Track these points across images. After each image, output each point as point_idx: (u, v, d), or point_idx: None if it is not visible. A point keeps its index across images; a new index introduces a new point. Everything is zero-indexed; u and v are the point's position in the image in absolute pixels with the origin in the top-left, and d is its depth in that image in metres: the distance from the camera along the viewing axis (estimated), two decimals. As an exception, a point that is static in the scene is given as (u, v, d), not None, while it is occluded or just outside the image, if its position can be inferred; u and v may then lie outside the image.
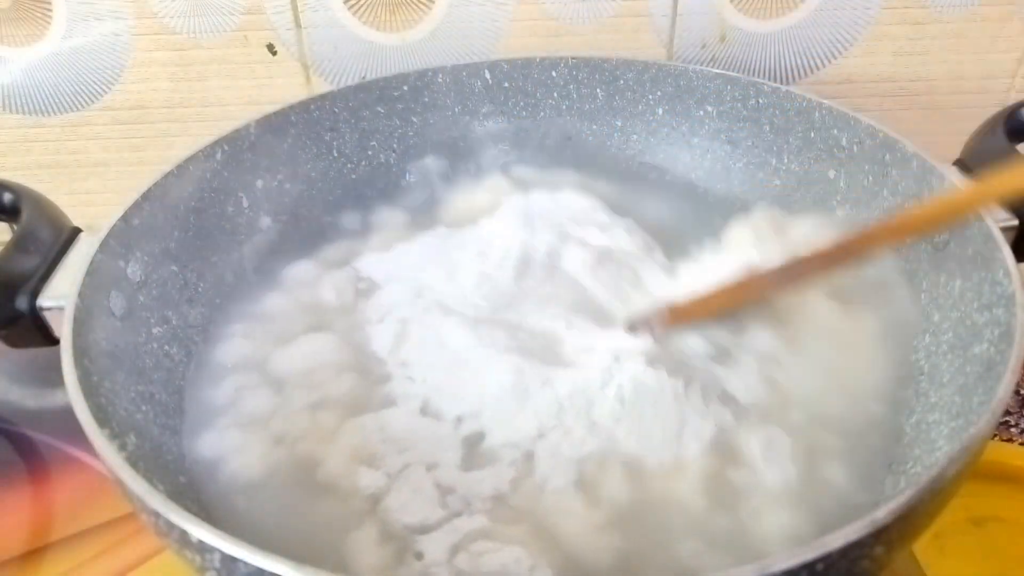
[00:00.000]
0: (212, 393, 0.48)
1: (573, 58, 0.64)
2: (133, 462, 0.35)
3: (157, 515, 0.33)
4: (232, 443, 0.45)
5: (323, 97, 0.60)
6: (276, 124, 0.58)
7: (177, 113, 0.70)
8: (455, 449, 0.43)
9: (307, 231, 0.60)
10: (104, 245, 0.45)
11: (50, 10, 0.65)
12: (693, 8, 0.68)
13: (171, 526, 0.32)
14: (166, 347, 0.49)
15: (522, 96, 0.65)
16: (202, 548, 0.32)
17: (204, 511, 0.41)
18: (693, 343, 0.47)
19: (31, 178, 0.58)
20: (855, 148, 0.55)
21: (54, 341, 0.45)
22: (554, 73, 0.64)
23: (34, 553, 0.52)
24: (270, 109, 0.58)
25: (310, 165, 0.61)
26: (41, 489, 0.55)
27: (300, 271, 0.56)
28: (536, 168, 0.65)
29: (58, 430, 0.58)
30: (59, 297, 0.44)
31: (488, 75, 0.64)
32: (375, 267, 0.56)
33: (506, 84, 0.64)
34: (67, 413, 0.36)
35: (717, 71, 0.62)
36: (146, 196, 0.49)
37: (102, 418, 0.37)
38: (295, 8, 0.66)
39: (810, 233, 0.50)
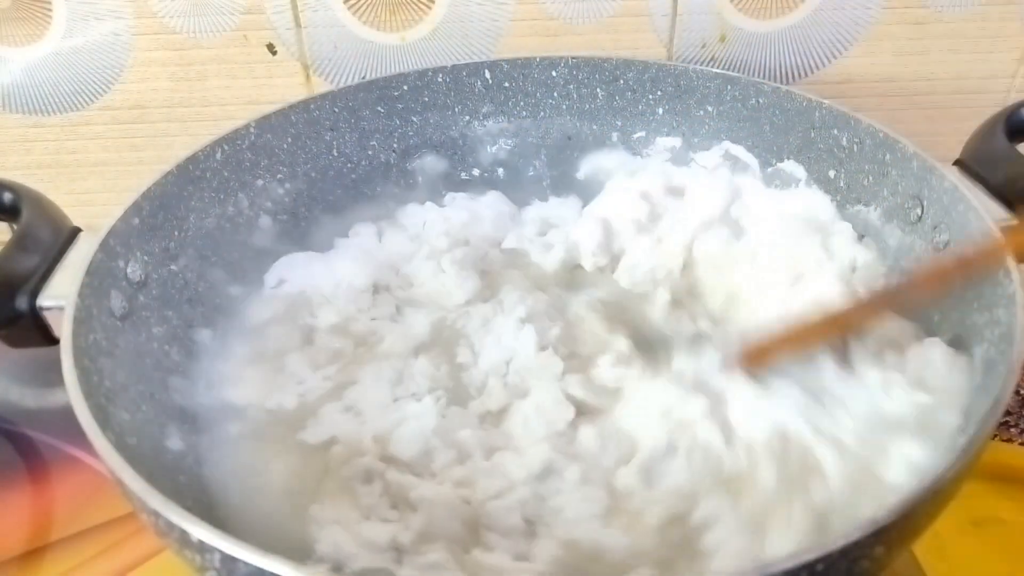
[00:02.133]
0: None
1: (573, 58, 0.64)
2: (133, 462, 0.35)
3: (157, 515, 0.33)
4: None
5: (323, 97, 0.60)
6: (276, 124, 0.58)
7: (177, 113, 0.70)
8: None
9: (307, 231, 0.60)
10: (104, 245, 0.45)
11: (50, 10, 0.65)
12: (693, 8, 0.68)
13: (171, 526, 0.32)
14: (166, 347, 0.49)
15: (522, 96, 0.65)
16: (202, 548, 0.32)
17: (206, 511, 0.41)
18: None
19: (31, 178, 0.58)
20: (855, 148, 0.55)
21: (54, 341, 0.45)
22: (554, 73, 0.64)
23: (34, 553, 0.52)
24: (270, 109, 0.58)
25: (310, 165, 0.61)
26: (41, 489, 0.55)
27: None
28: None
29: (58, 430, 0.58)
30: (59, 297, 0.44)
31: (488, 75, 0.64)
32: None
33: (506, 84, 0.64)
34: (67, 413, 0.36)
35: (717, 71, 0.62)
36: (146, 196, 0.49)
37: (102, 418, 0.37)
38: (295, 8, 0.66)
39: None
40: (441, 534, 0.39)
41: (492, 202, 0.63)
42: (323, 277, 0.56)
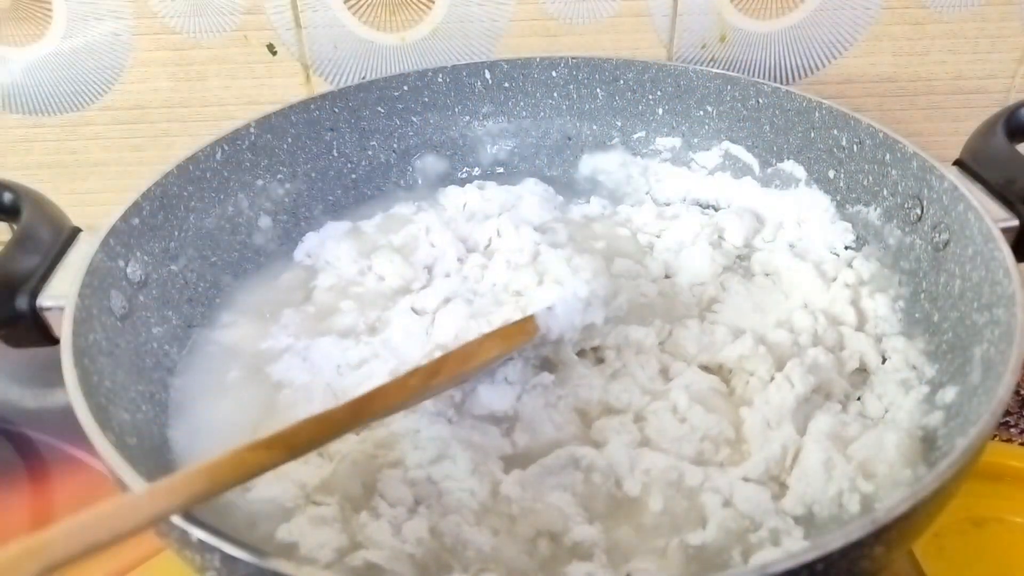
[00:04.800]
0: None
1: (573, 58, 0.64)
2: (133, 462, 0.35)
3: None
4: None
5: (323, 97, 0.60)
6: (276, 124, 0.58)
7: (177, 113, 0.70)
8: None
9: (307, 230, 0.60)
10: (104, 245, 0.45)
11: (50, 10, 0.65)
12: (693, 8, 0.68)
13: (171, 526, 0.32)
14: (166, 347, 0.49)
15: (522, 96, 0.65)
16: (202, 548, 0.32)
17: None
18: None
19: (31, 178, 0.58)
20: (855, 148, 0.55)
21: (54, 341, 0.45)
22: (554, 73, 0.64)
23: (34, 553, 0.52)
24: (270, 109, 0.58)
25: (310, 165, 0.61)
26: (41, 489, 0.55)
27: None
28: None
29: (58, 430, 0.58)
30: (59, 297, 0.44)
31: (488, 75, 0.64)
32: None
33: (506, 84, 0.64)
34: (67, 413, 0.36)
35: (717, 71, 0.62)
36: (146, 196, 0.49)
37: (102, 418, 0.37)
38: (295, 8, 0.66)
39: None
40: (340, 488, 0.41)
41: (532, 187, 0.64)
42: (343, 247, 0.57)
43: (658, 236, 0.59)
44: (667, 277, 0.56)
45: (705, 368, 0.48)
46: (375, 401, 0.38)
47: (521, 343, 0.45)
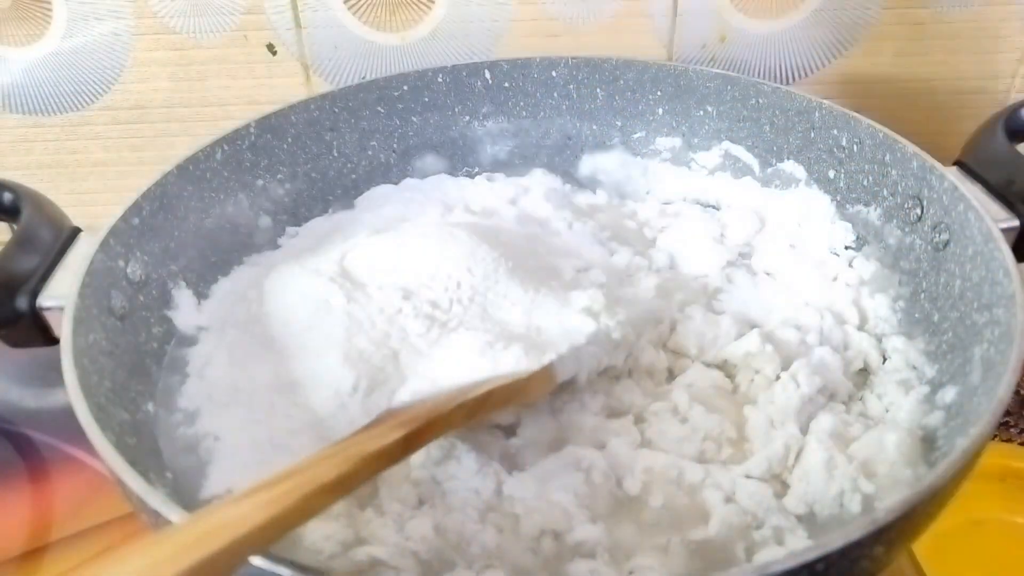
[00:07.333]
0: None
1: (573, 58, 0.64)
2: (133, 462, 0.35)
3: (157, 515, 0.33)
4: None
5: (323, 97, 0.60)
6: (276, 124, 0.58)
7: (177, 113, 0.70)
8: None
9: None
10: (104, 245, 0.45)
11: (50, 10, 0.65)
12: (693, 8, 0.68)
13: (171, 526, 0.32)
14: (166, 347, 0.49)
15: (522, 96, 0.65)
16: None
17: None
18: None
19: (31, 178, 0.58)
20: (855, 148, 0.55)
21: (54, 341, 0.45)
22: (554, 73, 0.64)
23: (34, 553, 0.52)
24: (270, 109, 0.58)
25: (310, 165, 0.61)
26: (41, 489, 0.55)
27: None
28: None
29: (58, 430, 0.58)
30: (59, 297, 0.44)
31: (488, 75, 0.64)
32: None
33: (506, 84, 0.64)
34: (67, 413, 0.36)
35: (717, 71, 0.62)
36: (146, 196, 0.49)
37: (102, 418, 0.37)
38: (295, 8, 0.66)
39: None
40: None
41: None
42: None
43: (661, 231, 0.59)
44: (671, 269, 0.56)
45: (710, 364, 0.48)
46: (423, 434, 0.38)
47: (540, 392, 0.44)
